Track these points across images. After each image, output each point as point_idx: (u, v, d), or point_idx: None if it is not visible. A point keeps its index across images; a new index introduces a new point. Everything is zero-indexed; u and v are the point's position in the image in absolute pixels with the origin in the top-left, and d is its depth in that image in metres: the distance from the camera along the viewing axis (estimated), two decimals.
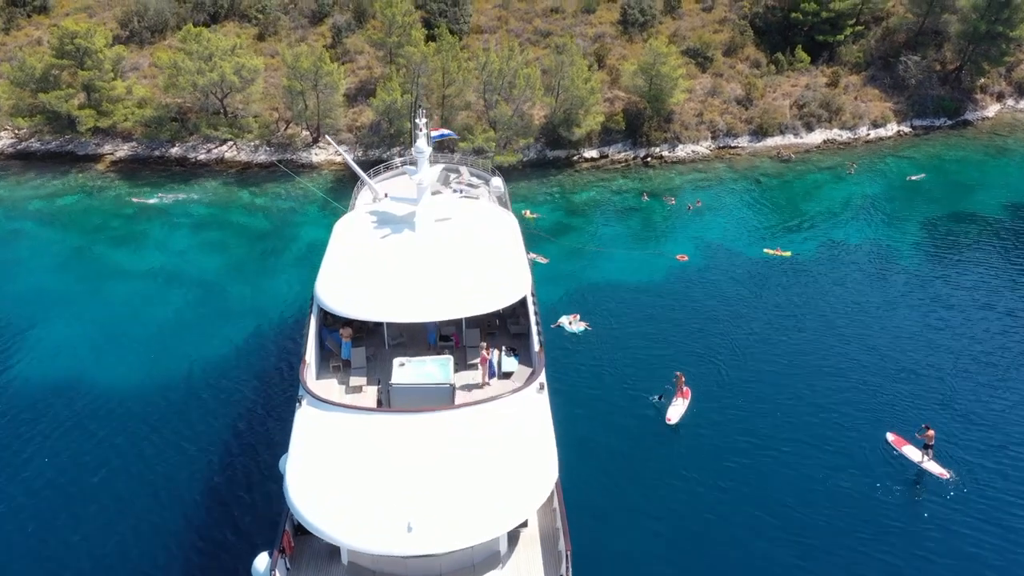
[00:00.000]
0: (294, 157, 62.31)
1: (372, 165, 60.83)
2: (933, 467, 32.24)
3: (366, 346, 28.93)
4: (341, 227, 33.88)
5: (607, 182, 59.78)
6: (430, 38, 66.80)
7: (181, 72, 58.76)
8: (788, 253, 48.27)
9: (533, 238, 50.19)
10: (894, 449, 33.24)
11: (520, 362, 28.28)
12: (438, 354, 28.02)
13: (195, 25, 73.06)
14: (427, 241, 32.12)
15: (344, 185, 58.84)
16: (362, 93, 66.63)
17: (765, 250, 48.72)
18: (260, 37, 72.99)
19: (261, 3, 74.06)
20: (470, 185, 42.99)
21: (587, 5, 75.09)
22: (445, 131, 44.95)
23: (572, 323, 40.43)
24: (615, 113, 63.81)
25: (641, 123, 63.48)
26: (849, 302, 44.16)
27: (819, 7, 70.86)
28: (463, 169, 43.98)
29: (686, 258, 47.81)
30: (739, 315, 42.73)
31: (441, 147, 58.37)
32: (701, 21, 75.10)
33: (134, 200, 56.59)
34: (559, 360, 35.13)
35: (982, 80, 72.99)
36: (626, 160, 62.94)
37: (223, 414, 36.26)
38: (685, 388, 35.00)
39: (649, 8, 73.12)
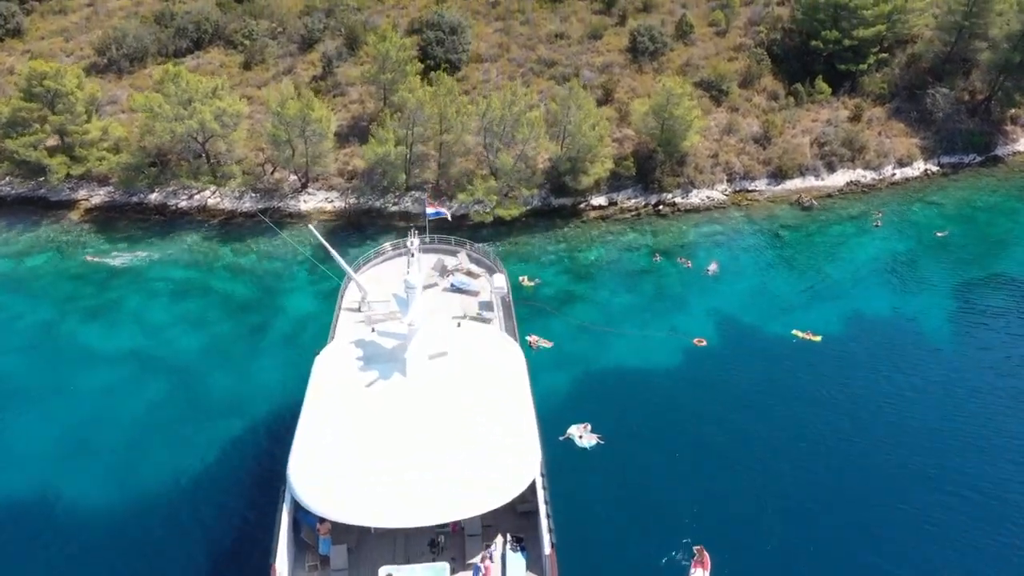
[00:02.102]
0: (281, 205, 58.25)
1: (365, 214, 57.56)
2: None
3: (348, 533, 25.14)
4: (321, 370, 29.92)
5: (616, 236, 55.75)
6: (428, 69, 62.64)
7: (158, 118, 54.52)
8: (818, 337, 44.23)
9: (534, 312, 46.46)
10: None
11: (529, 566, 24.44)
12: (432, 545, 24.34)
13: (178, 52, 69.20)
14: (419, 391, 28.23)
15: (334, 239, 54.68)
16: (355, 131, 62.46)
17: (794, 332, 44.68)
18: (246, 65, 68.57)
19: (247, 28, 69.52)
20: (469, 274, 39.18)
21: (594, 31, 70.48)
22: (441, 210, 41.20)
23: (582, 436, 36.70)
24: (624, 156, 59.60)
25: (653, 168, 59.31)
26: (893, 401, 40.12)
27: (841, 35, 66.33)
28: (462, 255, 40.09)
29: (704, 343, 43.92)
30: (768, 424, 38.47)
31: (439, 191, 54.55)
32: (715, 47, 70.52)
33: (90, 259, 52.51)
34: (566, 494, 31.30)
35: (1013, 111, 68.69)
36: (636, 208, 58.83)
37: (200, 550, 32.79)
38: (705, 556, 30.98)
39: (660, 35, 68.55)
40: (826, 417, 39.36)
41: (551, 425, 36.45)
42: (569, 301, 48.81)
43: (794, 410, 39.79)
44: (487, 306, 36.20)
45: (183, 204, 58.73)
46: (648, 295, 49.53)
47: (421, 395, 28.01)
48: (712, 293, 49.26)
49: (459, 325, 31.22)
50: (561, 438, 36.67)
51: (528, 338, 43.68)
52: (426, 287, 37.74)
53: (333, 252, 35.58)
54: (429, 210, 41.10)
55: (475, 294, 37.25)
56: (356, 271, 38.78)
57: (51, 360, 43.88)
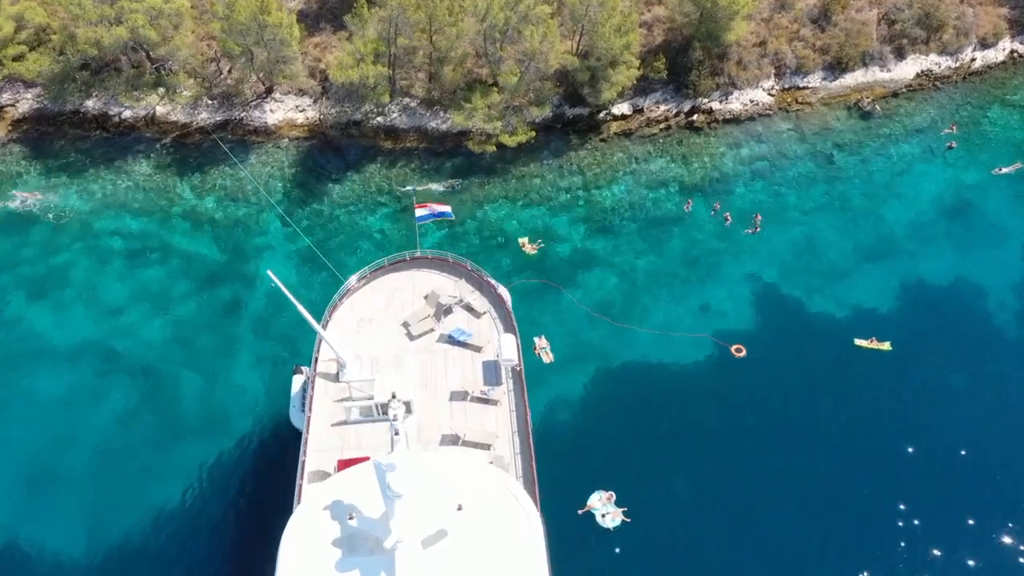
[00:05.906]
0: (244, 116, 49.02)
1: (343, 130, 48.76)
2: None
3: None
4: (288, 562, 24.22)
5: (641, 163, 47.33)
6: None
7: (79, 20, 43.97)
8: (886, 345, 37.96)
9: (539, 291, 40.36)
10: None
11: None
12: None
13: None
14: None
15: (308, 167, 47.03)
16: (324, 12, 51.48)
17: (856, 342, 38.22)
18: None
19: None
20: (469, 309, 32.52)
21: None
22: (437, 210, 33.78)
23: (605, 512, 32.02)
24: (654, 52, 49.21)
25: (688, 67, 49.21)
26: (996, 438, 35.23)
27: None
28: (460, 283, 33.14)
29: (743, 352, 37.86)
30: (838, 479, 33.57)
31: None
32: None
33: (15, 193, 45.16)
34: None
35: None
36: (666, 118, 49.60)
37: None
38: None
39: None
40: (917, 475, 34.21)
41: (564, 485, 32.12)
42: (583, 267, 42.13)
43: (868, 457, 34.41)
44: (493, 372, 30.13)
45: (128, 115, 49.30)
46: (677, 259, 42.67)
47: None
48: (753, 258, 42.43)
49: (460, 508, 24.84)
50: (580, 511, 32.16)
51: (535, 341, 37.84)
52: (418, 336, 31.57)
53: (301, 308, 28.67)
54: (420, 212, 33.64)
55: (478, 349, 30.94)
56: (331, 310, 32.26)
57: None
